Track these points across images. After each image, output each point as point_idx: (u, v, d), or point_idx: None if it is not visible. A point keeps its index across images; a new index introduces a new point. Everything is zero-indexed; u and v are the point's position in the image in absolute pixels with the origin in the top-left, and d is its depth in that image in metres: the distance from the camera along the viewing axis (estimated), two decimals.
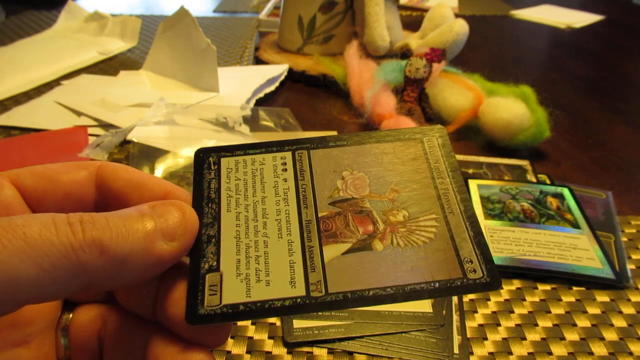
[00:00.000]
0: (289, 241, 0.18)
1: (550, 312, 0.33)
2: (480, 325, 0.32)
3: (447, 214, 0.19)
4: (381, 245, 0.18)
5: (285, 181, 0.20)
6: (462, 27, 0.65)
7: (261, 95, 0.63)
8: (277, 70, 0.68)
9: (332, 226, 0.19)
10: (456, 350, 0.30)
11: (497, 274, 0.17)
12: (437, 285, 0.17)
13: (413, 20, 0.99)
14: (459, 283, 0.17)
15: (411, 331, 0.30)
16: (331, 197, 0.20)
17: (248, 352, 0.29)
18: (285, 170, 0.20)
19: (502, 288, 0.35)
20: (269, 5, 1.01)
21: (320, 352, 0.29)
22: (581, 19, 1.09)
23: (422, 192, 0.20)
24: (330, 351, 0.30)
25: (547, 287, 0.35)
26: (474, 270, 0.17)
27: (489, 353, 0.30)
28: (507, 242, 0.37)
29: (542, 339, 0.31)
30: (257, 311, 0.17)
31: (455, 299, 0.33)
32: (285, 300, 0.17)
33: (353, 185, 0.20)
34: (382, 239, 0.18)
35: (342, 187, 0.20)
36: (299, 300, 0.17)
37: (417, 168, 0.20)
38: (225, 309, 0.17)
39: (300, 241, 0.18)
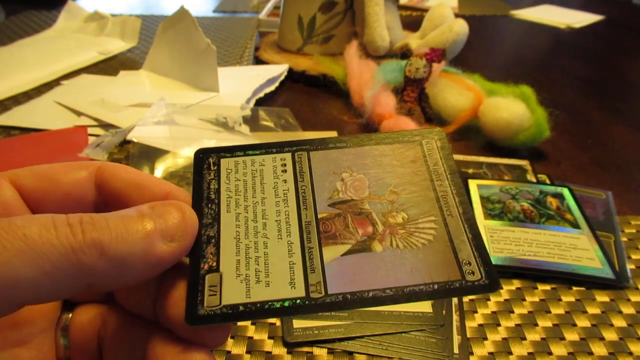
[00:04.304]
0: (289, 242, 0.18)
1: (550, 312, 0.33)
2: (480, 325, 0.32)
3: (445, 216, 0.19)
4: (380, 246, 0.18)
5: (285, 182, 0.20)
6: (462, 27, 0.65)
7: (261, 95, 0.63)
8: (277, 70, 0.68)
9: (332, 227, 0.19)
10: (456, 350, 0.30)
11: (496, 276, 0.17)
12: (436, 287, 0.17)
13: (413, 20, 0.99)
14: (457, 285, 0.17)
15: (411, 331, 0.30)
16: (331, 198, 0.20)
17: (248, 352, 0.29)
18: (285, 171, 0.20)
19: (501, 288, 0.35)
20: (269, 5, 1.01)
21: (320, 352, 0.30)
22: (581, 19, 1.09)
23: (421, 195, 0.20)
24: (330, 351, 0.30)
25: (547, 287, 0.35)
26: (473, 272, 0.18)
27: (489, 353, 0.30)
28: (507, 242, 0.37)
29: (542, 339, 0.31)
30: (256, 312, 0.17)
31: (455, 299, 0.33)
32: (285, 301, 0.17)
33: (352, 186, 0.20)
34: (381, 241, 0.19)
35: (342, 188, 0.20)
36: (298, 301, 0.17)
37: (416, 170, 0.20)
38: (224, 310, 0.17)
39: (300, 242, 0.18)
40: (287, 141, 0.21)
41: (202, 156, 0.21)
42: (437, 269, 0.18)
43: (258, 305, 0.17)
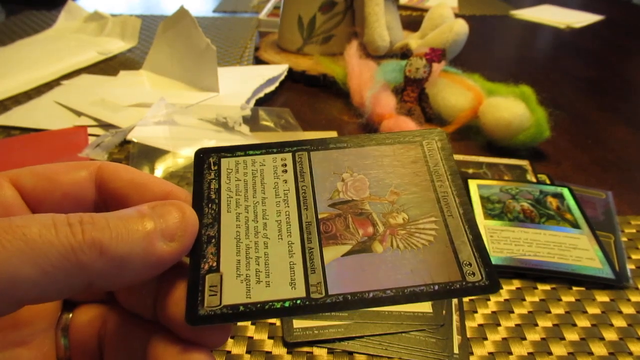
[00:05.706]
0: (289, 242, 0.18)
1: (550, 312, 0.33)
2: (480, 325, 0.32)
3: (446, 217, 0.19)
4: (381, 247, 0.18)
5: (286, 182, 0.20)
6: (462, 27, 0.65)
7: (261, 95, 0.63)
8: (277, 70, 0.68)
9: (332, 228, 0.19)
10: (456, 350, 0.30)
11: (496, 277, 0.18)
12: (436, 287, 0.17)
13: (413, 20, 0.98)
14: (458, 286, 0.17)
15: (411, 331, 0.30)
16: (331, 198, 0.20)
17: (248, 352, 0.29)
18: (286, 171, 0.20)
19: (501, 288, 0.35)
20: (269, 5, 1.01)
21: (320, 352, 0.30)
22: (581, 19, 1.09)
23: (422, 195, 0.20)
24: (330, 351, 0.30)
25: (547, 287, 0.35)
26: (473, 274, 0.18)
27: (489, 353, 0.30)
28: (507, 242, 0.37)
29: (542, 339, 0.31)
30: (257, 312, 0.17)
31: (455, 299, 0.33)
32: (285, 301, 0.17)
33: (353, 187, 0.20)
34: (382, 241, 0.19)
35: (342, 189, 0.20)
36: (299, 301, 0.17)
37: (417, 171, 0.20)
38: (225, 310, 0.17)
39: (301, 242, 0.18)
40: (287, 141, 0.21)
41: (203, 156, 0.21)
42: (438, 270, 0.18)
43: (258, 305, 0.17)
